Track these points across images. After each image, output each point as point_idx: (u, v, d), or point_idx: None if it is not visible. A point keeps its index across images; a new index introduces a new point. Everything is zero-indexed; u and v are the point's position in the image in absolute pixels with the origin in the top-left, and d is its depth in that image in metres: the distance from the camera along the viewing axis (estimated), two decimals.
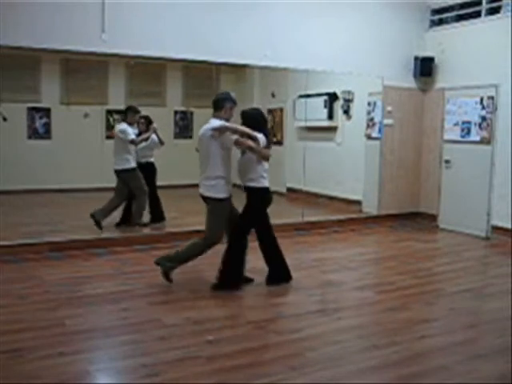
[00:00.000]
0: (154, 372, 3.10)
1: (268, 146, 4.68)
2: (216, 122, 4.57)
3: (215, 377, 3.07)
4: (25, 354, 3.28)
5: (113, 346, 3.53)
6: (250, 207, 4.74)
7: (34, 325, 3.77)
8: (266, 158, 4.67)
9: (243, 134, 4.55)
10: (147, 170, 6.96)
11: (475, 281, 5.39)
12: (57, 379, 2.99)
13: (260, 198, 4.73)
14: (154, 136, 6.91)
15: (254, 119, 4.72)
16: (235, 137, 4.54)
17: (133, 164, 6.67)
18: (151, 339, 3.59)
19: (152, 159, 7.12)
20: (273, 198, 4.85)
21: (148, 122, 6.95)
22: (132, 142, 6.56)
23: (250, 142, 4.53)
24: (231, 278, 4.70)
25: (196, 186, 4.92)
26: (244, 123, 4.69)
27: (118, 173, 6.62)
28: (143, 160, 6.96)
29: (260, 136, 4.57)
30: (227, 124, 4.57)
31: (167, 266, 4.73)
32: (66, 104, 9.73)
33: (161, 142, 7.06)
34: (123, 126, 6.61)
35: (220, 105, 4.63)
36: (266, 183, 4.72)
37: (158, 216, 7.06)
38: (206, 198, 4.68)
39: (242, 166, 4.74)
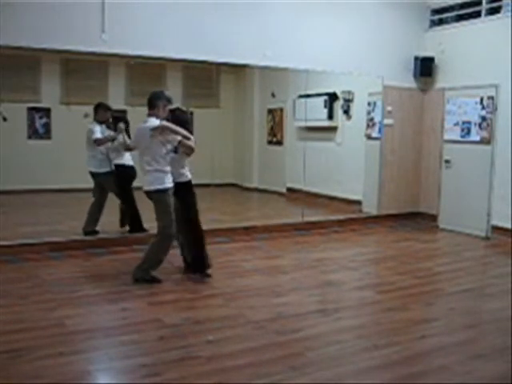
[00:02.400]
0: (153, 372, 3.10)
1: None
2: (155, 122, 4.69)
3: (215, 377, 3.07)
4: (25, 354, 3.28)
5: (113, 346, 3.53)
6: (187, 199, 4.97)
7: (34, 325, 3.77)
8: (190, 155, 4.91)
9: (181, 135, 4.71)
10: (117, 173, 6.30)
11: (475, 281, 5.39)
12: (57, 379, 2.99)
13: (191, 189, 5.00)
14: (120, 137, 6.14)
15: (181, 119, 4.92)
16: (179, 138, 4.67)
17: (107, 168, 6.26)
18: (151, 339, 3.59)
19: (122, 161, 6.29)
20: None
21: (119, 121, 6.25)
22: (95, 141, 6.09)
23: (191, 143, 4.74)
24: (200, 262, 5.04)
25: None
26: (172, 122, 4.85)
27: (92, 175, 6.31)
28: (114, 162, 6.32)
29: (189, 134, 4.81)
30: (167, 124, 4.70)
31: (140, 274, 4.80)
32: (66, 104, 9.72)
33: (125, 144, 6.06)
34: (92, 124, 6.21)
35: (154, 103, 4.76)
36: (189, 175, 5.03)
37: (136, 227, 6.33)
38: (150, 193, 4.75)
39: (174, 163, 4.89)
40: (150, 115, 4.77)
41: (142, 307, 4.25)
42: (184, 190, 4.96)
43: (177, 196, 4.90)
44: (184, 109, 5.46)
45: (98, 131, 6.16)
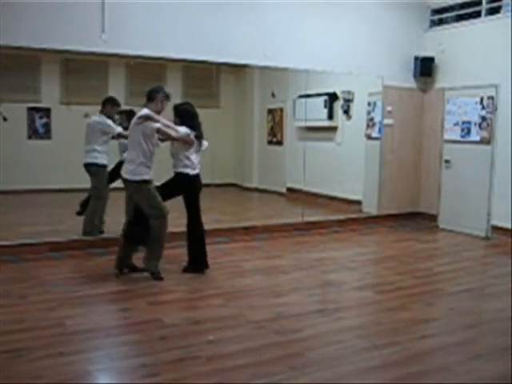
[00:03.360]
0: (153, 372, 3.10)
1: (197, 138, 5.06)
2: (144, 111, 4.77)
3: (215, 377, 3.07)
4: (25, 354, 3.28)
5: (113, 346, 3.53)
6: (188, 196, 5.11)
7: (34, 325, 3.77)
8: (188, 145, 4.98)
9: (166, 126, 4.82)
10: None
11: (475, 281, 5.39)
12: (57, 379, 2.99)
13: (184, 183, 5.06)
14: None
15: (185, 113, 5.09)
16: (157, 125, 4.75)
17: (102, 160, 6.11)
18: (151, 339, 3.59)
19: None
20: (201, 186, 5.20)
21: (129, 115, 6.06)
22: (120, 135, 6.00)
23: (171, 132, 4.83)
24: (198, 262, 5.16)
25: None
26: (176, 116, 5.07)
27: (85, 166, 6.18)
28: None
29: (181, 128, 4.90)
30: (152, 114, 4.76)
31: (153, 265, 4.91)
32: (66, 104, 9.73)
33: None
34: (102, 117, 6.07)
35: (152, 96, 4.85)
36: (188, 171, 5.06)
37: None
38: (130, 182, 4.86)
39: (171, 154, 5.10)
40: (145, 106, 4.85)
41: (142, 307, 4.25)
42: (183, 183, 5.06)
43: (174, 186, 5.06)
44: (189, 102, 5.52)
45: (115, 126, 6.05)
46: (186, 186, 5.10)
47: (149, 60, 7.57)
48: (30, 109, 9.60)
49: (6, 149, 8.07)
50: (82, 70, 9.55)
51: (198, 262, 5.18)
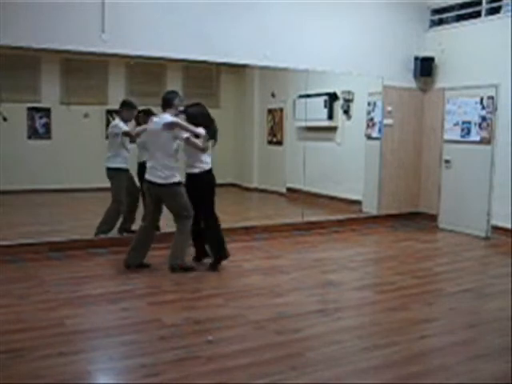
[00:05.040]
0: (153, 372, 3.10)
1: (211, 139, 5.24)
2: (168, 118, 4.99)
3: (215, 377, 3.07)
4: (25, 354, 3.28)
5: (113, 346, 3.53)
6: (201, 191, 5.22)
7: (34, 325, 3.77)
8: (204, 151, 5.18)
9: (190, 132, 5.04)
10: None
11: (475, 281, 5.38)
12: (57, 379, 2.99)
13: (209, 178, 5.27)
14: None
15: (199, 116, 5.21)
16: (187, 135, 5.00)
17: (117, 164, 6.01)
18: (151, 339, 3.59)
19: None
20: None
21: (148, 115, 6.00)
22: (126, 134, 5.91)
23: (197, 142, 5.05)
24: (221, 250, 5.31)
25: None
26: (188, 119, 5.18)
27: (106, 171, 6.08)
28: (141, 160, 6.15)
29: (201, 131, 5.07)
30: (178, 121, 5.03)
31: (176, 263, 5.10)
32: (66, 104, 9.73)
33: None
34: (116, 121, 6.06)
35: (170, 103, 5.09)
36: (208, 167, 5.26)
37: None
38: (163, 186, 5.02)
39: (186, 155, 5.26)
40: (164, 112, 5.07)
41: (142, 307, 4.25)
42: (208, 178, 5.26)
43: (188, 187, 5.18)
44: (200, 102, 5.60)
45: (122, 125, 5.97)
46: (210, 181, 5.27)
47: (149, 60, 7.58)
48: (30, 109, 9.61)
49: (6, 149, 8.07)
50: (82, 69, 9.56)
51: (221, 251, 5.30)
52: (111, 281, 4.93)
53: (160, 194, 5.09)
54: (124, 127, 5.98)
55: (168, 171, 5.00)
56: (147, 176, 5.11)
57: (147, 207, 5.35)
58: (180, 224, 5.15)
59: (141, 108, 6.36)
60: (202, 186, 5.23)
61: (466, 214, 7.49)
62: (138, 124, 6.22)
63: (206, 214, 5.30)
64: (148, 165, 5.15)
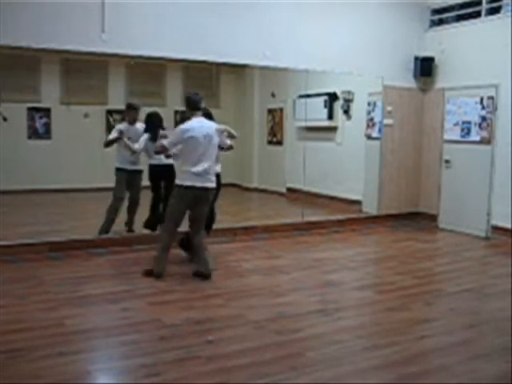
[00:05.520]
0: (153, 372, 3.10)
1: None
2: (214, 124, 5.08)
3: (215, 377, 3.07)
4: (25, 354, 3.28)
5: (113, 346, 3.53)
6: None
7: (33, 325, 3.77)
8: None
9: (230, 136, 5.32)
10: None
11: (475, 281, 5.38)
12: (57, 379, 2.99)
13: (219, 180, 5.36)
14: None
15: (212, 118, 5.31)
16: (229, 142, 5.28)
17: (117, 164, 6.23)
18: (151, 339, 3.59)
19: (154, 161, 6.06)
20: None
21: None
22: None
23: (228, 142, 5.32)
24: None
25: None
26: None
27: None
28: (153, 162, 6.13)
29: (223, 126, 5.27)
30: (227, 127, 5.27)
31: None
32: (66, 104, 9.73)
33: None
34: (122, 124, 6.22)
35: (199, 106, 5.06)
36: (219, 170, 5.44)
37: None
38: (213, 190, 5.05)
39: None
40: (197, 116, 4.99)
41: (142, 307, 4.25)
42: (219, 181, 5.35)
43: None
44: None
45: (117, 128, 6.19)
46: (219, 184, 5.37)
47: (149, 60, 7.57)
48: (30, 109, 9.60)
49: (6, 149, 8.06)
50: (82, 69, 9.55)
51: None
52: (111, 281, 4.93)
53: (207, 199, 4.98)
54: (115, 132, 6.13)
55: (212, 177, 5.01)
56: (198, 183, 4.82)
57: (189, 219, 5.09)
58: (202, 229, 5.12)
59: (144, 109, 6.42)
60: (219, 188, 5.41)
61: (465, 214, 7.49)
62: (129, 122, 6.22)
63: (210, 215, 5.49)
64: (195, 170, 4.80)
